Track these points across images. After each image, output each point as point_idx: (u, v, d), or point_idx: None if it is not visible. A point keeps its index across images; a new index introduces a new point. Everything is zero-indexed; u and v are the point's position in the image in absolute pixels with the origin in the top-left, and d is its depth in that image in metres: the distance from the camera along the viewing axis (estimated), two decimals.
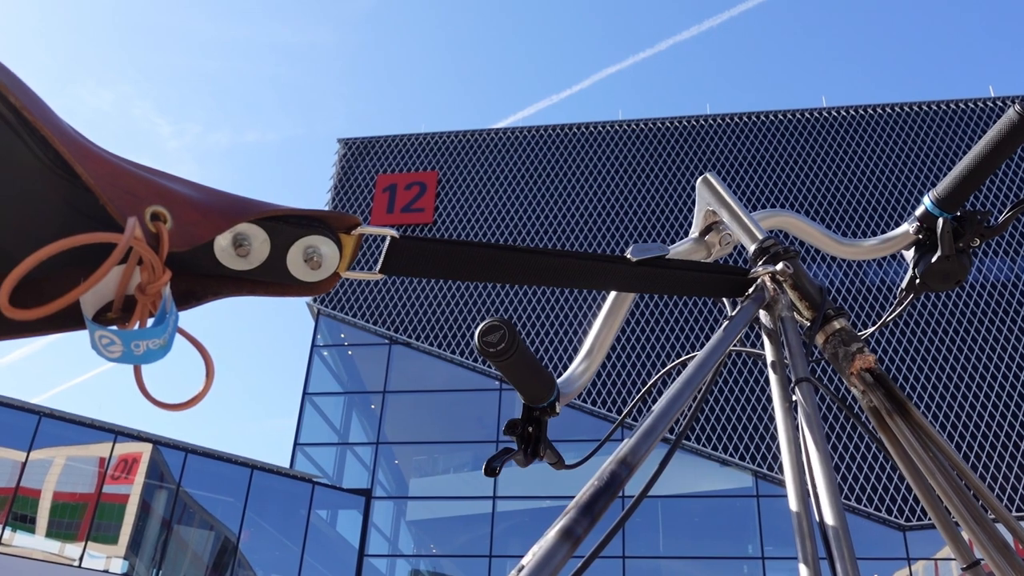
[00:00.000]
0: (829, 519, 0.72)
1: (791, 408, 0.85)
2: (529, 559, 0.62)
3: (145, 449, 14.36)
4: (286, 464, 16.11)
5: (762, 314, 0.94)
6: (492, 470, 0.87)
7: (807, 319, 0.99)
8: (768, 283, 0.94)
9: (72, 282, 0.56)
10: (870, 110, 17.93)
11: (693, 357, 0.88)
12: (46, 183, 0.57)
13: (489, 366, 15.14)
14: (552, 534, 0.60)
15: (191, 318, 0.63)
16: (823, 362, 1.01)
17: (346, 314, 17.20)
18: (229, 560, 14.84)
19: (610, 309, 1.05)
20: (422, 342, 16.65)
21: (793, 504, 0.77)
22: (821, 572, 0.69)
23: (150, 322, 0.59)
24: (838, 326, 0.98)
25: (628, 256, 0.85)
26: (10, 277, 0.52)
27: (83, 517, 13.60)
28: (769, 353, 0.92)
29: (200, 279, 0.63)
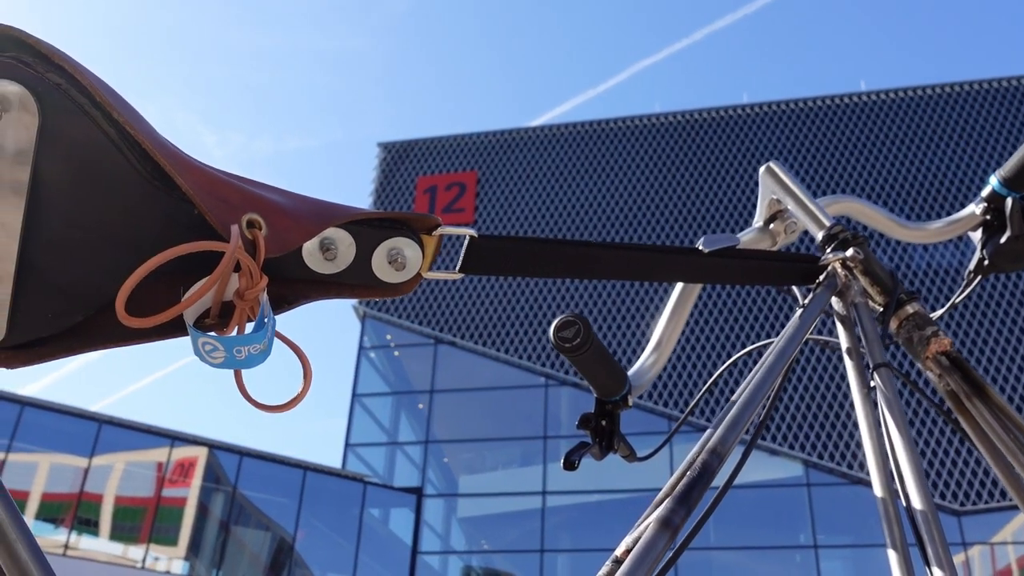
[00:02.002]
0: (917, 504, 0.71)
1: (870, 395, 0.84)
2: (623, 549, 0.63)
3: (201, 453, 14.62)
4: (338, 464, 16.30)
5: (834, 301, 0.93)
6: (571, 464, 0.87)
7: (879, 304, 0.97)
8: (839, 270, 0.93)
9: (170, 291, 0.59)
10: (911, 92, 17.62)
11: (764, 347, 0.89)
12: (145, 195, 0.59)
13: (535, 362, 15.19)
14: (651, 524, 0.59)
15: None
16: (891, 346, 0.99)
17: (391, 315, 17.38)
18: (286, 560, 15.08)
19: (677, 301, 1.05)
20: (467, 341, 16.75)
21: (878, 490, 0.76)
22: (911, 557, 0.69)
23: (248, 327, 0.60)
24: (911, 310, 0.97)
25: (699, 247, 0.84)
26: (125, 286, 0.55)
27: (144, 520, 13.91)
28: (844, 340, 0.91)
29: (289, 284, 0.65)
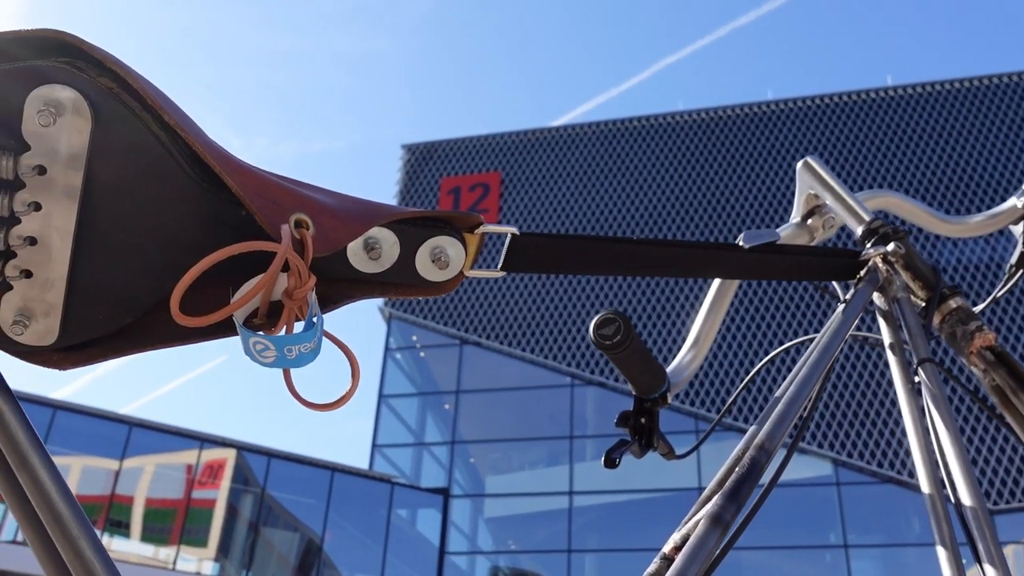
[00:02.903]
0: (966, 500, 0.70)
1: (914, 391, 0.84)
2: (671, 547, 0.63)
3: (230, 455, 14.74)
4: (365, 465, 16.38)
5: (875, 296, 0.93)
6: (612, 462, 0.87)
7: (922, 299, 0.97)
8: (880, 264, 0.92)
9: (218, 291, 0.60)
10: (938, 86, 17.44)
11: (801, 344, 0.89)
12: (194, 197, 0.59)
13: (560, 361, 15.16)
14: (702, 521, 0.59)
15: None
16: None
17: (417, 316, 17.43)
18: (314, 560, 15.17)
19: (715, 297, 1.05)
20: (492, 341, 16.77)
21: (926, 487, 0.75)
22: (960, 554, 0.68)
23: (296, 326, 0.60)
24: (954, 305, 0.96)
25: (740, 243, 0.84)
26: (179, 286, 0.55)
27: (174, 522, 14.05)
28: (886, 336, 0.91)
29: (334, 283, 0.66)
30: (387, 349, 17.56)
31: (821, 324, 15.17)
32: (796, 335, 15.09)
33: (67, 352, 0.64)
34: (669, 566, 0.62)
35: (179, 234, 0.61)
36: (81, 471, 13.83)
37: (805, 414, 0.76)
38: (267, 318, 0.61)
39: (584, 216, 17.68)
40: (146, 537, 13.95)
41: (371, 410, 17.05)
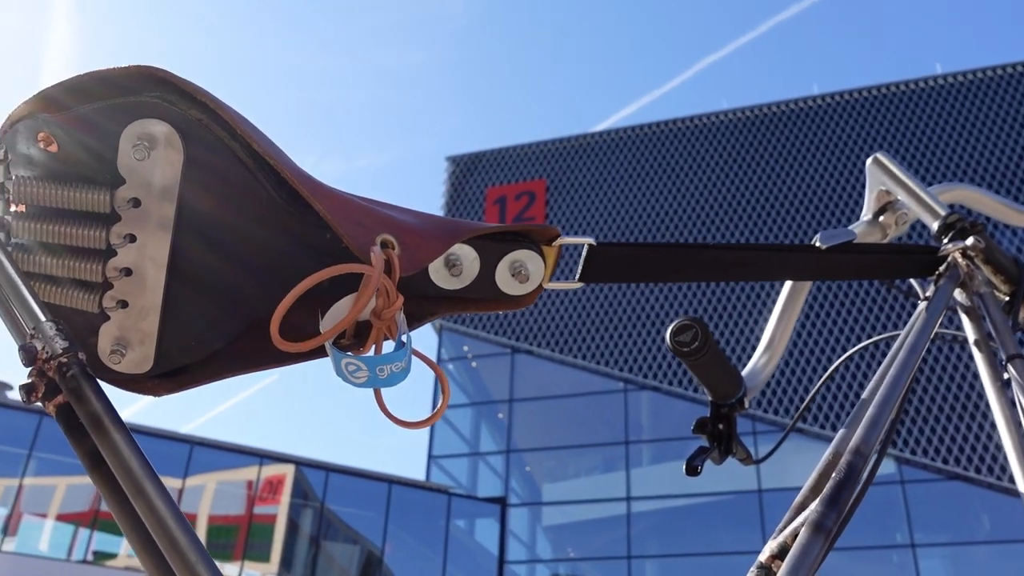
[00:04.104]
0: None
1: (1004, 387, 0.83)
2: (767, 555, 0.62)
3: (289, 470, 14.91)
4: (422, 477, 16.47)
5: (957, 292, 0.91)
6: (693, 469, 0.87)
7: (1005, 294, 0.94)
8: (960, 259, 0.90)
9: (304, 313, 0.60)
10: (991, 72, 17.04)
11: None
12: (280, 221, 0.60)
13: (612, 367, 15.08)
14: (804, 529, 0.59)
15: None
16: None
17: (468, 327, 17.50)
18: (375, 572, 15.27)
19: (788, 299, 1.04)
20: (543, 349, 16.76)
21: (1022, 485, 0.74)
22: None
23: (385, 346, 0.61)
24: None
25: (816, 244, 0.82)
26: (278, 311, 0.56)
27: (237, 538, 14.25)
28: (970, 332, 0.89)
29: (416, 301, 0.66)
30: (439, 360, 17.64)
31: (879, 322, 14.91)
32: (852, 334, 14.85)
33: (162, 379, 0.65)
34: (767, 575, 0.61)
35: (267, 259, 0.62)
36: None
37: (894, 416, 0.74)
38: (354, 338, 0.62)
39: (631, 221, 17.60)
40: (210, 553, 14.09)
41: None
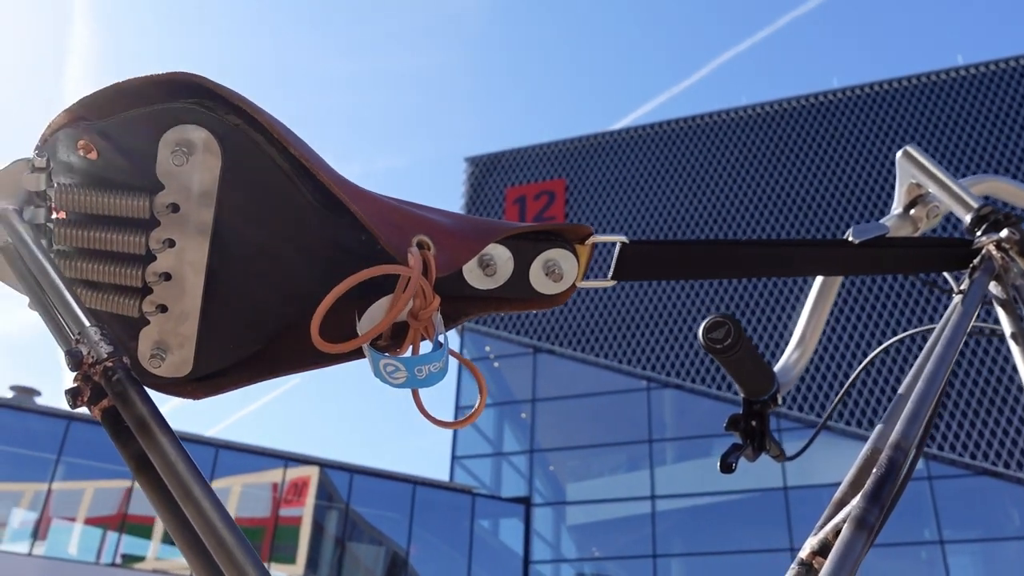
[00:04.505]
0: None
1: None
2: (808, 552, 0.62)
3: (313, 472, 14.98)
4: (445, 477, 16.50)
5: (992, 285, 0.90)
6: (728, 467, 0.87)
7: None
8: (994, 252, 0.90)
9: (341, 314, 0.60)
10: (1012, 63, 16.84)
11: (919, 334, 0.86)
12: (316, 224, 0.61)
13: (635, 365, 15.03)
14: (847, 525, 0.59)
15: None
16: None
17: (489, 327, 17.51)
18: (400, 574, 15.31)
19: (819, 294, 1.04)
20: (565, 348, 16.74)
21: None
22: None
23: (422, 347, 0.61)
24: None
25: (849, 238, 0.82)
26: (317, 313, 0.56)
27: (263, 540, 14.33)
28: (1007, 325, 0.89)
29: (450, 301, 0.67)
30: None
31: (903, 317, 14.78)
32: (878, 330, 14.73)
33: (200, 382, 0.66)
34: (808, 571, 0.61)
35: (303, 261, 0.62)
36: None
37: (932, 411, 0.74)
38: (391, 339, 0.62)
39: (651, 219, 17.56)
40: None
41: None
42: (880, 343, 14.39)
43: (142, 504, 13.83)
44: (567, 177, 18.74)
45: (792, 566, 0.62)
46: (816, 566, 0.61)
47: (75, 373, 0.53)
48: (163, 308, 0.61)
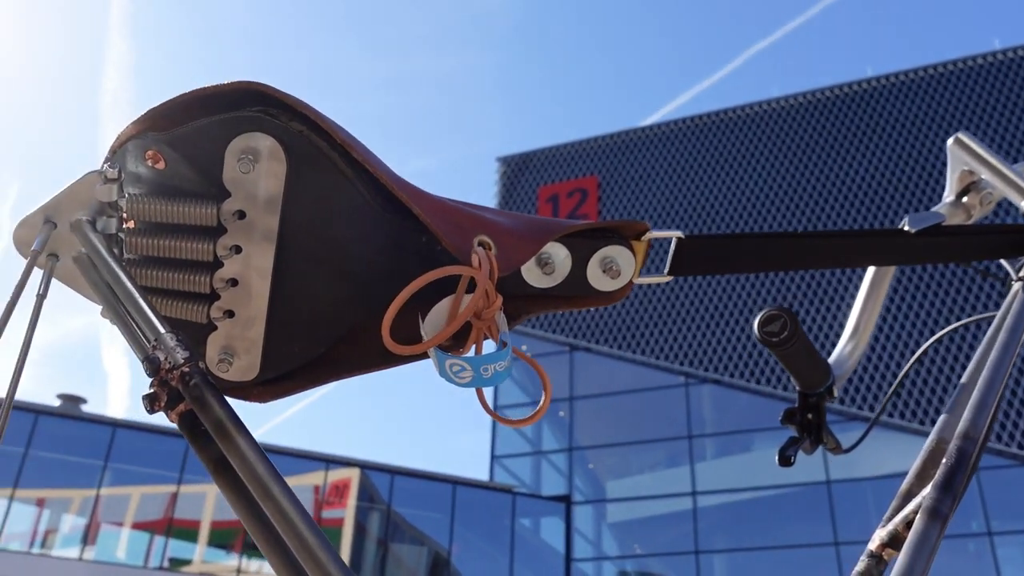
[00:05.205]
0: None
1: None
2: (877, 543, 0.61)
3: (354, 474, 15.08)
4: (485, 477, 16.54)
5: None
6: (787, 460, 0.86)
7: None
8: None
9: (404, 316, 0.60)
10: None
11: (979, 320, 0.86)
12: (378, 227, 0.62)
13: (672, 361, 14.94)
14: (920, 516, 0.58)
15: None
16: None
17: (525, 327, 17.50)
18: (443, 574, 15.37)
19: (872, 284, 1.03)
20: (602, 345, 16.70)
21: None
22: None
23: (484, 346, 0.62)
24: None
25: (905, 228, 0.81)
26: (388, 314, 0.57)
27: None
28: None
29: (510, 300, 0.67)
30: None
31: (945, 307, 14.54)
32: (918, 320, 14.51)
33: (266, 385, 0.67)
34: (879, 563, 0.61)
35: (366, 264, 0.63)
36: (216, 497, 14.39)
37: (998, 401, 0.73)
38: (452, 339, 0.63)
39: (685, 214, 17.45)
40: None
41: (487, 422, 17.22)
42: (919, 334, 14.19)
43: (187, 508, 14.02)
44: (599, 174, 18.69)
45: (862, 558, 0.62)
46: (886, 558, 0.61)
47: (152, 379, 0.54)
48: (230, 313, 0.62)
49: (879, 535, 0.62)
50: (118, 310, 0.59)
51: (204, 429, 0.54)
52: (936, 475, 0.61)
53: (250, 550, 14.07)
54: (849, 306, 1.03)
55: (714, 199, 17.38)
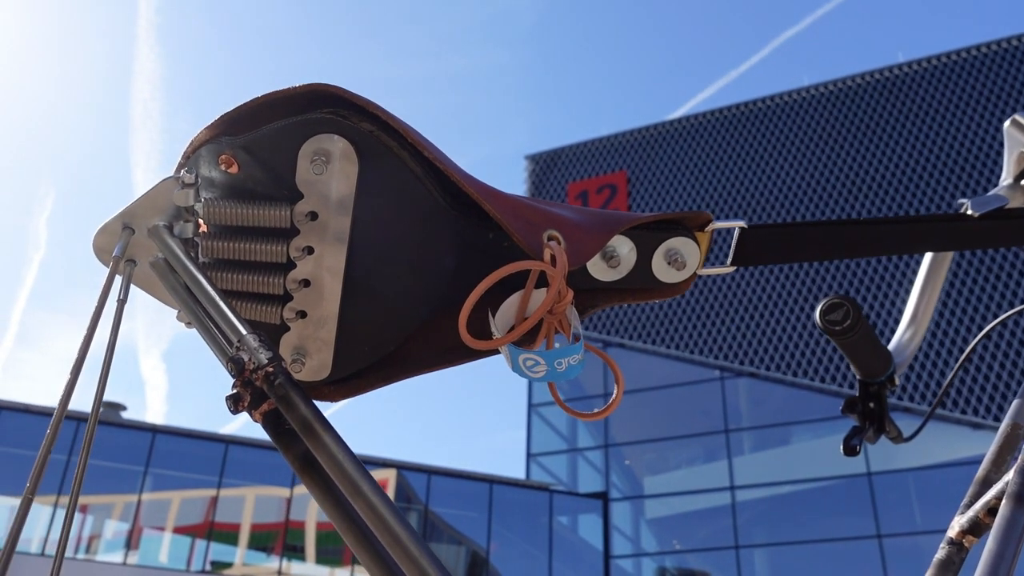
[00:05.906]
0: None
1: None
2: (957, 531, 0.61)
3: (390, 475, 15.17)
4: (522, 475, 16.55)
5: None
6: (852, 449, 0.86)
7: None
8: None
9: (473, 311, 0.60)
10: None
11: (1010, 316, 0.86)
12: (446, 224, 0.62)
13: (707, 356, 14.86)
14: (1005, 502, 0.57)
15: None
16: None
17: None
18: (482, 572, 15.41)
19: (930, 270, 1.02)
20: (636, 341, 16.64)
21: None
22: None
23: (557, 339, 0.63)
24: None
25: (967, 211, 0.79)
26: (465, 309, 0.57)
27: (345, 543, 14.56)
28: None
29: (578, 295, 0.68)
30: None
31: (995, 296, 14.33)
32: (959, 309, 14.31)
33: (338, 384, 0.67)
34: (959, 551, 0.60)
35: (434, 261, 0.63)
36: (255, 501, 14.54)
37: None
38: (525, 334, 0.63)
39: (716, 208, 17.34)
40: (320, 559, 14.51)
41: (522, 420, 17.21)
42: (971, 321, 13.98)
43: (227, 512, 14.16)
44: (628, 169, 18.63)
45: (941, 546, 0.61)
46: (967, 544, 0.61)
47: (235, 380, 0.55)
48: (303, 314, 0.63)
49: (958, 522, 0.62)
50: (197, 313, 0.59)
51: (288, 428, 0.54)
52: (1019, 459, 0.60)
53: (290, 552, 14.19)
54: (884, 294, 1.02)
55: (745, 191, 17.25)
